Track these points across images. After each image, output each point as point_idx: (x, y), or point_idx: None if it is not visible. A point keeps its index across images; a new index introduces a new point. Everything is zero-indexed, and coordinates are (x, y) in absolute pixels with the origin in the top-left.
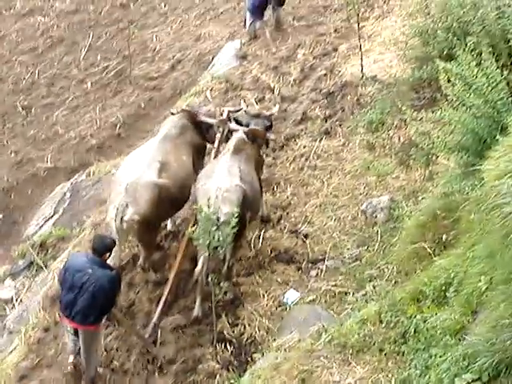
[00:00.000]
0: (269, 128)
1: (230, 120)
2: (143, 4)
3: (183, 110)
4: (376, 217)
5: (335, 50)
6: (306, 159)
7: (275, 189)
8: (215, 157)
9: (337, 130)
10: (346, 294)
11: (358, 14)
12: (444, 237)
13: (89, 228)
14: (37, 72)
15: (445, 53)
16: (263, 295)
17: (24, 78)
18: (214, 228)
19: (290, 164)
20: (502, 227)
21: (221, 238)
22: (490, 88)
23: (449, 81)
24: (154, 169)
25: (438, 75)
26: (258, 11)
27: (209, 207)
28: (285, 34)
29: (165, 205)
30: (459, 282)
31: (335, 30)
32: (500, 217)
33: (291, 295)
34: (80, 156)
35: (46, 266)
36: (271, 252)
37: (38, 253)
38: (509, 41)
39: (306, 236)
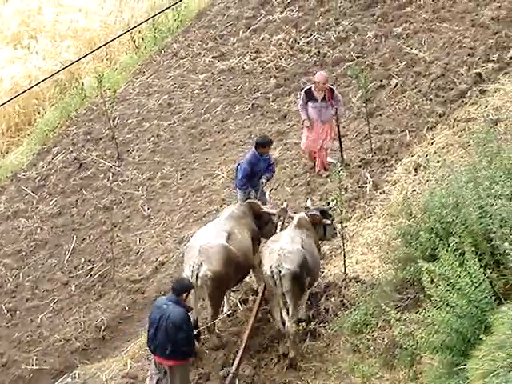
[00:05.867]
0: (325, 216)
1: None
2: (126, 206)
3: (247, 202)
4: None
5: None
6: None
7: None
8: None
9: (321, 332)
10: None
11: (340, 215)
12: None
13: None
14: (21, 275)
15: (428, 253)
16: None
17: (8, 281)
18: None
19: (275, 366)
20: None
21: None
22: (473, 288)
23: (432, 281)
24: (223, 236)
25: (421, 276)
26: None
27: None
28: None
29: (232, 266)
30: None
31: None
32: None
33: None
34: (65, 358)
35: None
36: None
37: None
38: (491, 240)
39: None
